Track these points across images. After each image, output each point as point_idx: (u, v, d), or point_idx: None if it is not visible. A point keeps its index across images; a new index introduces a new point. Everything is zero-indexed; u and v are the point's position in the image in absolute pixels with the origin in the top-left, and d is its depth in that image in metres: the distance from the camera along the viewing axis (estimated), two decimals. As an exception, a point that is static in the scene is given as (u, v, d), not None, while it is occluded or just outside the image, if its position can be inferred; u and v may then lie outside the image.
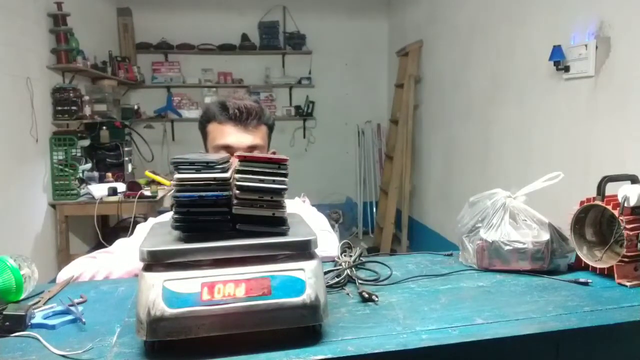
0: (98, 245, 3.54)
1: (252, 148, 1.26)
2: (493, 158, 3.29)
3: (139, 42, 5.16)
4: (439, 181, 4.28)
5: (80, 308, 0.85)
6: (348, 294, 0.94)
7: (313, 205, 1.49)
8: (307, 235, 0.77)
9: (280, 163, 0.77)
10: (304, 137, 5.68)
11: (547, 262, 1.06)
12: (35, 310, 0.84)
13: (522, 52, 2.88)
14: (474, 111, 3.54)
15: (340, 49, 5.55)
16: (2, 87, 2.91)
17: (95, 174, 3.68)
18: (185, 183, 0.75)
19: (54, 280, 1.10)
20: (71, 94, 3.50)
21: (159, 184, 3.45)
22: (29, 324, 0.80)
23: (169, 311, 0.68)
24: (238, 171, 0.77)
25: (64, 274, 1.11)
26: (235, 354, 0.70)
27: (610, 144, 2.20)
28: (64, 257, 3.46)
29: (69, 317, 0.83)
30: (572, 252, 1.10)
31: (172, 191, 0.76)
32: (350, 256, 1.08)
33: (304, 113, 5.56)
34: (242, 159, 0.77)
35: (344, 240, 1.16)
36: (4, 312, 0.79)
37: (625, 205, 0.99)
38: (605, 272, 1.03)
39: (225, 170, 0.77)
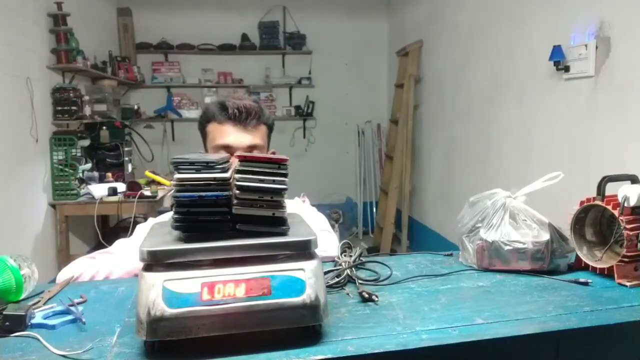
0: (98, 245, 3.54)
1: (251, 148, 1.26)
2: (493, 158, 3.29)
3: (139, 42, 5.16)
4: (439, 181, 4.28)
5: (80, 308, 0.85)
6: (348, 294, 0.94)
7: (313, 205, 1.49)
8: (307, 235, 0.77)
9: (280, 163, 0.77)
10: (304, 137, 5.68)
11: (547, 262, 1.06)
12: (35, 310, 0.84)
13: (522, 52, 2.88)
14: (474, 111, 3.54)
15: (340, 49, 5.55)
16: (2, 87, 2.91)
17: (95, 174, 3.68)
18: (185, 183, 0.75)
19: (54, 280, 1.10)
20: (71, 94, 3.50)
21: (159, 184, 3.45)
22: (29, 324, 0.80)
23: (169, 311, 0.68)
24: (238, 171, 0.77)
25: (63, 274, 1.11)
26: (235, 354, 0.70)
27: (610, 144, 2.20)
28: (64, 257, 3.46)
29: (69, 317, 0.83)
30: (572, 252, 1.10)
31: (172, 191, 0.76)
32: (350, 256, 1.08)
33: (304, 113, 5.56)
34: (242, 159, 0.77)
35: (344, 240, 1.16)
36: (4, 312, 0.79)
37: (625, 205, 0.99)
38: (605, 272, 1.03)
39: (225, 170, 0.77)
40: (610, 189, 1.04)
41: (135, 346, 0.74)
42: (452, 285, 1.01)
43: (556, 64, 2.46)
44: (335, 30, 5.52)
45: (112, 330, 0.80)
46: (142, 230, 1.27)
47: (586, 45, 2.26)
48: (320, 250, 0.79)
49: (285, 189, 0.77)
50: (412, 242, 4.77)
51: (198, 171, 0.75)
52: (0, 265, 0.88)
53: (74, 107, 3.51)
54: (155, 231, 0.83)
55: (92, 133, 3.71)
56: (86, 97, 3.74)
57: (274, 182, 0.76)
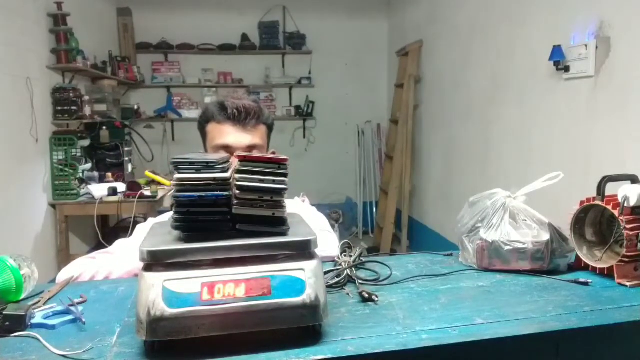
0: (98, 245, 3.54)
1: (251, 148, 1.26)
2: (493, 158, 3.29)
3: (139, 42, 5.16)
4: (439, 181, 4.28)
5: (80, 308, 0.85)
6: (348, 294, 0.94)
7: (313, 205, 1.49)
8: (307, 235, 0.77)
9: (280, 163, 0.77)
10: (304, 137, 5.68)
11: (547, 262, 1.06)
12: (35, 310, 0.84)
13: (522, 52, 2.88)
14: (474, 111, 3.54)
15: (340, 49, 5.55)
16: (2, 87, 2.91)
17: (95, 174, 3.68)
18: (185, 183, 0.75)
19: (54, 280, 1.10)
20: (71, 94, 3.50)
21: (159, 184, 3.45)
22: (29, 324, 0.80)
23: (169, 311, 0.68)
24: (238, 171, 0.77)
25: (63, 275, 1.11)
26: (235, 354, 0.70)
27: (610, 144, 2.20)
28: (64, 257, 3.46)
29: (69, 317, 0.83)
30: (572, 252, 1.10)
31: (172, 191, 0.76)
32: (350, 256, 1.08)
33: (304, 113, 5.56)
34: (242, 159, 0.77)
35: (344, 240, 1.16)
36: (4, 312, 0.79)
37: (625, 205, 0.99)
38: (605, 272, 1.03)
39: (225, 170, 0.77)
40: (610, 189, 1.04)
41: (135, 346, 0.74)
42: (452, 285, 1.01)
43: (556, 64, 2.46)
44: (335, 30, 5.52)
45: (112, 330, 0.80)
46: (142, 230, 1.27)
47: (586, 45, 2.26)
48: (320, 250, 0.79)
49: (285, 189, 0.77)
50: (412, 242, 4.77)
51: (198, 171, 0.75)
52: (0, 265, 0.88)
53: (74, 107, 3.51)
54: (155, 231, 0.83)
55: (92, 133, 3.71)
56: (86, 97, 3.74)
57: (274, 182, 0.76)
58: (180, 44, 5.20)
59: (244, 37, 5.31)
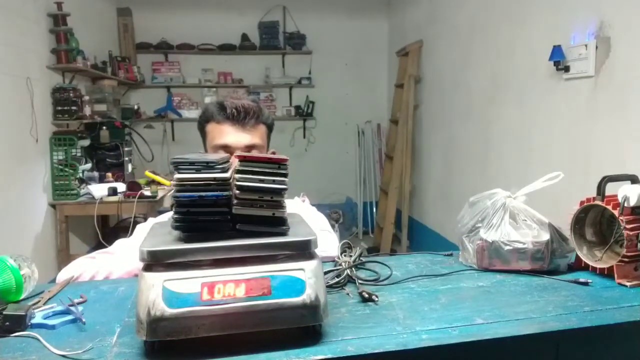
0: (98, 245, 3.54)
1: (250, 147, 1.26)
2: (493, 158, 3.29)
3: (139, 42, 5.16)
4: (439, 181, 4.28)
5: (80, 308, 0.85)
6: (348, 294, 0.94)
7: (313, 205, 1.49)
8: (307, 235, 0.77)
9: (280, 163, 0.77)
10: (304, 137, 5.68)
11: (547, 262, 1.06)
12: (35, 310, 0.84)
13: (522, 52, 2.88)
14: (474, 111, 3.54)
15: (340, 49, 5.54)
16: (2, 87, 2.91)
17: (95, 174, 3.68)
18: (185, 183, 0.75)
19: (54, 280, 1.10)
20: (71, 94, 3.50)
21: (159, 184, 3.45)
22: (29, 324, 0.80)
23: (169, 311, 0.68)
24: (238, 171, 0.77)
25: (63, 275, 1.11)
26: (235, 354, 0.70)
27: (610, 144, 2.20)
28: (64, 257, 3.46)
29: (69, 317, 0.83)
30: (572, 252, 1.10)
31: (172, 191, 0.76)
32: (350, 256, 1.08)
33: (304, 113, 5.56)
34: (242, 159, 0.77)
35: (344, 240, 1.16)
36: (4, 312, 0.79)
37: (625, 205, 0.99)
38: (605, 272, 1.03)
39: (225, 170, 0.77)
40: (610, 189, 1.04)
41: (135, 346, 0.74)
42: (452, 285, 1.01)
43: (556, 64, 2.46)
44: (335, 30, 5.51)
45: (112, 330, 0.80)
46: (142, 230, 1.27)
47: (586, 45, 2.26)
48: (320, 250, 0.79)
49: (285, 189, 0.77)
50: (412, 242, 4.77)
51: (198, 171, 0.75)
52: (0, 265, 0.88)
53: (74, 107, 3.51)
54: (155, 231, 0.83)
55: (92, 133, 3.71)
56: (86, 97, 3.74)
57: (274, 182, 0.76)
58: (180, 44, 5.19)
59: (244, 37, 5.31)
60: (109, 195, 3.46)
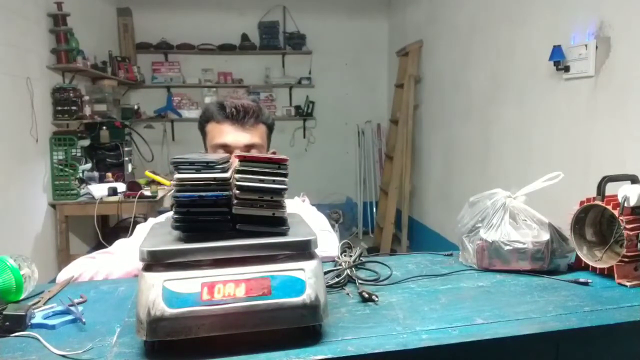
0: (98, 245, 3.54)
1: (249, 147, 1.26)
2: (493, 158, 3.29)
3: (139, 42, 5.16)
4: (439, 181, 4.28)
5: (80, 308, 0.85)
6: (348, 294, 0.94)
7: (313, 205, 1.49)
8: (307, 235, 0.77)
9: (280, 163, 0.77)
10: (304, 137, 5.68)
11: (547, 262, 1.06)
12: (35, 310, 0.84)
13: (522, 52, 2.88)
14: (474, 111, 3.54)
15: (340, 49, 5.54)
16: (2, 87, 2.91)
17: (95, 174, 3.68)
18: (185, 183, 0.75)
19: (54, 280, 1.10)
20: (71, 94, 3.50)
21: (159, 184, 3.45)
22: (29, 324, 0.80)
23: (169, 311, 0.68)
24: (238, 171, 0.77)
25: (63, 275, 1.11)
26: (235, 354, 0.70)
27: (610, 144, 2.20)
28: (64, 257, 3.46)
29: (69, 317, 0.83)
30: (572, 252, 1.10)
31: (172, 191, 0.76)
32: (350, 256, 1.08)
33: (304, 113, 5.56)
34: (242, 159, 0.77)
35: (344, 240, 1.16)
36: (4, 312, 0.79)
37: (625, 205, 0.99)
38: (605, 272, 1.03)
39: (225, 170, 0.77)
40: (610, 189, 1.04)
41: (135, 346, 0.74)
42: (452, 285, 1.01)
43: (556, 64, 2.46)
44: (335, 30, 5.51)
45: (112, 330, 0.80)
46: (142, 230, 1.27)
47: (586, 45, 2.26)
48: (320, 250, 0.79)
49: (285, 189, 0.77)
50: (412, 242, 4.77)
51: (198, 171, 0.75)
52: (0, 265, 0.88)
53: (74, 107, 3.51)
54: (155, 231, 0.83)
55: (92, 133, 3.71)
56: (86, 97, 3.74)
57: (274, 182, 0.76)
58: (180, 44, 5.19)
59: (244, 37, 5.31)
60: (109, 195, 3.46)
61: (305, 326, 0.74)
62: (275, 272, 0.73)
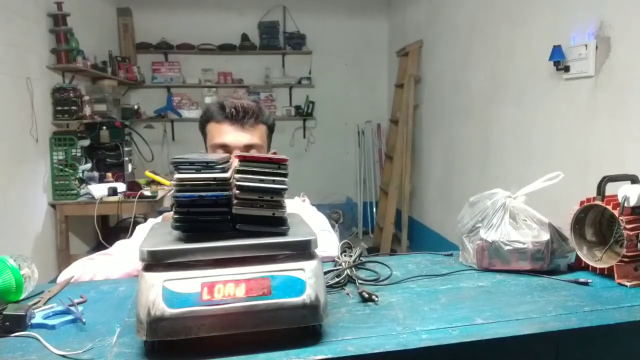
0: (98, 245, 3.54)
1: (249, 147, 1.26)
2: (493, 158, 3.29)
3: (139, 42, 5.16)
4: (439, 181, 4.28)
5: (80, 308, 0.85)
6: (348, 294, 0.94)
7: (313, 205, 1.49)
8: (307, 235, 0.77)
9: (280, 163, 0.77)
10: (304, 137, 5.68)
11: (547, 262, 1.06)
12: (35, 310, 0.84)
13: (522, 52, 2.88)
14: (474, 111, 3.54)
15: (340, 49, 5.54)
16: (2, 87, 2.91)
17: (95, 174, 3.68)
18: (185, 183, 0.75)
19: (54, 281, 1.10)
20: (71, 94, 3.50)
21: (159, 184, 3.44)
22: (29, 324, 0.80)
23: (169, 311, 0.68)
24: (238, 171, 0.77)
25: (63, 277, 1.11)
26: (235, 354, 0.70)
27: (610, 144, 2.20)
28: (64, 257, 3.46)
29: (69, 317, 0.83)
30: (572, 252, 1.10)
31: (172, 191, 0.76)
32: (350, 256, 1.08)
33: (304, 113, 5.55)
34: (242, 159, 0.77)
35: (344, 240, 1.16)
36: (4, 312, 0.79)
37: (625, 205, 0.99)
38: (605, 272, 1.03)
39: (225, 170, 0.77)
40: (610, 189, 1.04)
41: (135, 346, 0.74)
42: (452, 285, 1.01)
43: (556, 64, 2.45)
44: (335, 30, 5.51)
45: (112, 330, 0.80)
46: (141, 231, 1.27)
47: (586, 45, 2.26)
48: (320, 250, 0.79)
49: (285, 189, 0.77)
50: (412, 242, 4.77)
51: (198, 171, 0.75)
52: (0, 265, 0.88)
53: (74, 107, 3.51)
54: (155, 231, 0.83)
55: (92, 133, 3.71)
56: (86, 97, 3.73)
57: (274, 182, 0.76)
58: (180, 44, 5.19)
59: (244, 37, 5.31)
60: (109, 195, 3.46)
61: (305, 326, 0.74)
62: (275, 272, 0.73)
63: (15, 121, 3.04)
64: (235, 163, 0.79)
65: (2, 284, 0.87)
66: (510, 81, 3.03)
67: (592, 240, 1.11)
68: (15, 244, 2.99)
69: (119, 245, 1.26)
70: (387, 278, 1.02)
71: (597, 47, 2.22)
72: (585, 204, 1.07)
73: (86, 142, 3.64)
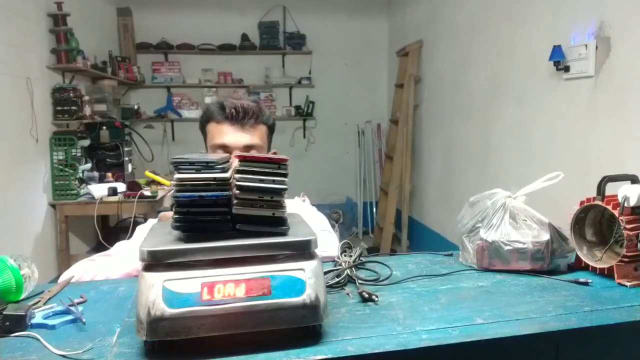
0: (98, 245, 3.54)
1: (248, 147, 1.26)
2: (493, 158, 3.29)
3: (139, 42, 5.16)
4: (439, 181, 4.28)
5: (80, 308, 0.85)
6: (348, 294, 0.94)
7: (313, 205, 1.49)
8: (307, 235, 0.77)
9: (280, 163, 0.77)
10: (304, 137, 5.68)
11: (547, 262, 1.06)
12: (35, 310, 0.84)
13: (522, 52, 2.88)
14: (474, 111, 3.54)
15: (340, 49, 5.54)
16: (2, 87, 2.91)
17: (95, 174, 3.68)
18: (185, 183, 0.75)
19: (54, 281, 1.10)
20: (71, 94, 3.50)
21: (159, 184, 3.45)
22: (29, 324, 0.80)
23: (169, 311, 0.68)
24: (238, 171, 0.77)
25: (64, 279, 1.11)
26: (235, 354, 0.70)
27: (610, 144, 2.20)
28: (64, 257, 3.46)
29: (69, 317, 0.83)
30: (572, 252, 1.10)
31: (172, 191, 0.76)
32: (350, 256, 1.08)
33: (304, 113, 5.55)
34: (242, 159, 0.77)
35: (344, 240, 1.16)
36: (4, 312, 0.79)
37: (625, 205, 0.99)
38: (605, 272, 1.03)
39: (225, 170, 0.77)
40: (610, 189, 1.04)
41: (135, 346, 0.74)
42: (452, 285, 1.01)
43: (556, 64, 2.45)
44: (335, 30, 5.51)
45: (112, 330, 0.80)
46: (141, 231, 1.27)
47: (586, 45, 2.26)
48: (320, 250, 0.79)
49: (285, 189, 0.77)
50: (412, 242, 4.77)
51: (198, 171, 0.75)
52: (0, 265, 0.88)
53: (74, 107, 3.51)
54: (155, 231, 0.83)
55: (92, 133, 3.71)
56: (86, 97, 3.74)
57: (274, 182, 0.76)
58: (180, 44, 5.19)
59: (244, 37, 5.31)
60: (109, 195, 3.46)
61: (305, 326, 0.74)
62: (275, 272, 0.73)
63: (15, 121, 3.04)
64: (235, 163, 0.79)
65: (2, 284, 0.87)
66: (510, 81, 3.03)
67: (592, 240, 1.11)
68: (15, 244, 2.99)
69: (119, 246, 1.26)
70: (387, 278, 1.02)
71: (597, 47, 2.22)
72: (585, 204, 1.07)
73: (86, 142, 3.64)
